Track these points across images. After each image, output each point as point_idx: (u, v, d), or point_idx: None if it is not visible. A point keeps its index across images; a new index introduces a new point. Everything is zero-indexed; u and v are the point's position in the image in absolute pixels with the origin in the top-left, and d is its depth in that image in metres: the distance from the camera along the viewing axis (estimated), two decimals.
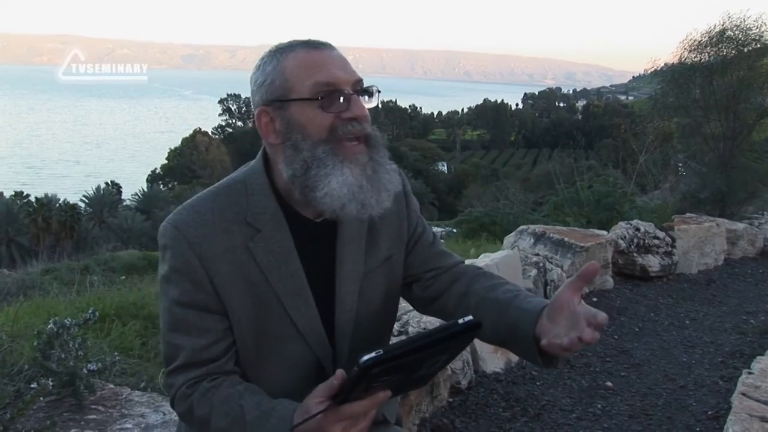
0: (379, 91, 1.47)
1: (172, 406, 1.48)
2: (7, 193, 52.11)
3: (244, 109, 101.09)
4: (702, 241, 7.60)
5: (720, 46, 14.07)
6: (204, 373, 1.43)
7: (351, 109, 1.38)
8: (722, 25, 14.13)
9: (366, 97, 1.43)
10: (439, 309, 1.66)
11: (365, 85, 1.44)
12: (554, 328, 1.33)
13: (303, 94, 1.37)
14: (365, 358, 1.09)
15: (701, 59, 14.31)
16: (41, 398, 2.53)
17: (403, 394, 1.50)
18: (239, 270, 1.42)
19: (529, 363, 4.01)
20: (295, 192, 1.42)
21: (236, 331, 1.46)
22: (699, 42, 14.29)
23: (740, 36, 13.99)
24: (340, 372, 1.22)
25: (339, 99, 1.37)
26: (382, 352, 1.10)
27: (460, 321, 1.15)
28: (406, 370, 1.19)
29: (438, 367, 1.30)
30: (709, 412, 3.85)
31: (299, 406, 1.29)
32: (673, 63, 15.09)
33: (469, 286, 1.61)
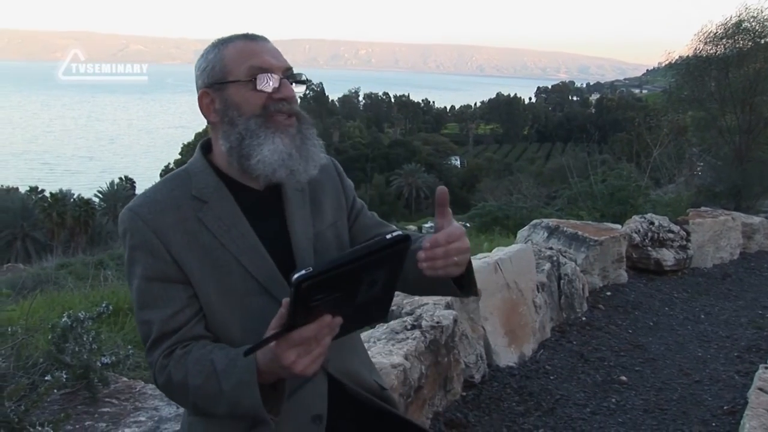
0: (308, 80, 1.65)
1: (155, 381, 1.54)
2: (22, 189, 52.46)
3: None
4: (717, 235, 7.54)
5: (736, 37, 13.96)
6: (175, 341, 1.49)
7: (281, 90, 1.53)
8: (738, 16, 14.02)
9: (294, 83, 1.58)
10: None
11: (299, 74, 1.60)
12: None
13: (239, 77, 1.52)
14: (296, 274, 1.13)
15: (717, 51, 14.21)
16: (55, 391, 2.55)
17: (359, 328, 1.53)
18: (194, 239, 1.52)
19: (541, 359, 3.99)
20: (233, 164, 1.55)
21: (201, 297, 1.53)
22: (714, 34, 14.19)
23: (757, 27, 13.87)
24: (285, 300, 1.25)
25: (269, 80, 1.52)
26: (311, 267, 1.14)
27: (388, 236, 1.20)
28: (343, 288, 1.22)
29: (382, 292, 1.31)
30: (725, 407, 3.82)
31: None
32: (687, 56, 15.00)
33: None
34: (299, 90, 1.60)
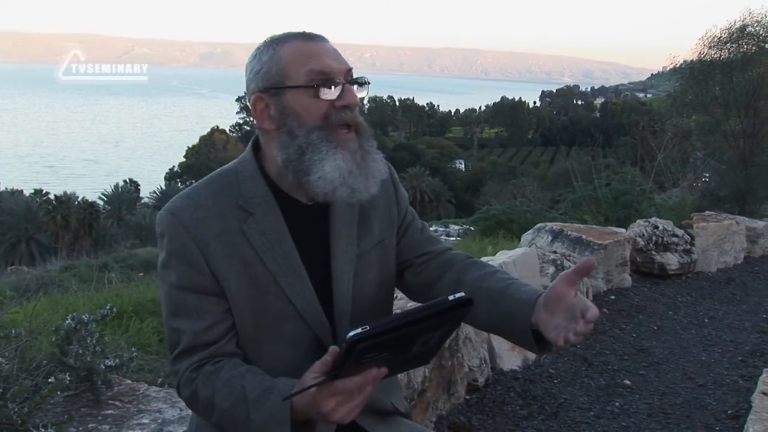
0: (368, 83, 1.53)
1: (178, 392, 1.51)
2: (27, 191, 52.57)
3: None
4: (721, 239, 7.53)
5: (740, 42, 13.97)
6: (206, 356, 1.46)
7: (344, 97, 1.44)
8: (742, 21, 14.03)
9: (356, 87, 1.49)
10: (433, 298, 1.69)
11: (356, 76, 1.51)
12: (553, 320, 1.39)
13: (298, 82, 1.43)
14: (351, 333, 1.09)
15: (721, 56, 14.21)
16: (59, 393, 2.55)
17: (402, 372, 1.50)
18: (234, 252, 1.47)
19: (548, 355, 3.99)
20: (288, 176, 1.48)
21: (235, 313, 1.49)
22: (719, 38, 14.20)
23: (761, 32, 13.87)
24: (333, 348, 1.23)
25: (332, 87, 1.43)
26: (368, 327, 1.10)
27: (451, 297, 1.15)
28: (396, 348, 1.19)
29: (434, 345, 1.28)
30: (729, 412, 3.81)
31: (298, 382, 1.31)
32: (692, 60, 15.00)
33: (461, 275, 1.65)
34: (362, 95, 1.52)
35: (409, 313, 1.14)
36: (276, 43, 1.47)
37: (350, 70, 1.48)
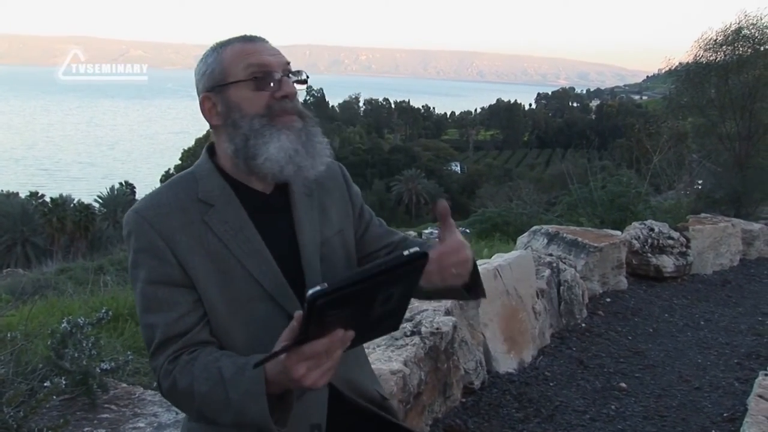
0: (307, 77, 1.62)
1: (159, 387, 1.52)
2: (23, 194, 52.48)
3: None
4: (717, 242, 7.55)
5: (736, 44, 14.00)
6: (180, 346, 1.48)
7: (282, 88, 1.52)
8: (738, 23, 14.07)
9: (294, 79, 1.57)
10: None
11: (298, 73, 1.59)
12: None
13: (238, 77, 1.51)
14: (311, 291, 1.11)
15: (717, 58, 14.24)
16: (54, 397, 2.54)
17: (371, 339, 1.52)
18: (199, 242, 1.51)
19: (541, 366, 3.98)
20: (239, 164, 1.54)
21: (206, 301, 1.51)
22: (714, 41, 14.23)
23: (756, 34, 13.91)
24: (298, 313, 1.23)
25: (270, 80, 1.52)
26: (326, 284, 1.12)
27: (405, 252, 1.18)
28: (358, 305, 1.20)
29: (396, 306, 1.30)
30: (725, 414, 3.82)
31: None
32: (687, 62, 15.04)
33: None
34: (300, 88, 1.59)
35: (367, 269, 1.17)
36: (220, 46, 1.57)
37: (288, 63, 1.57)
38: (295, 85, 1.57)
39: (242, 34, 1.61)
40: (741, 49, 13.98)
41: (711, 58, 14.31)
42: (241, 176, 1.58)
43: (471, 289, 1.60)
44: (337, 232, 1.70)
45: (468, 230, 15.67)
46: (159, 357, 1.48)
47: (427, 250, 1.29)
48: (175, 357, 1.47)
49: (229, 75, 1.53)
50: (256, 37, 1.59)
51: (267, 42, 1.59)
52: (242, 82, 1.51)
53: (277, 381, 1.30)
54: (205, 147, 1.65)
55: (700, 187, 14.85)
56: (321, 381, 1.26)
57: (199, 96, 1.58)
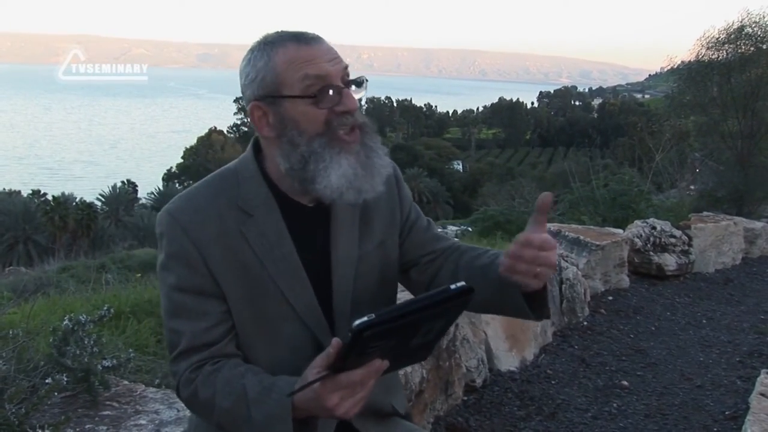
0: (366, 81, 1.50)
1: (177, 392, 1.50)
2: (25, 192, 52.56)
3: None
4: (719, 240, 7.53)
5: (738, 42, 13.95)
6: (206, 356, 1.45)
7: (343, 102, 1.41)
8: (741, 21, 14.01)
9: (354, 87, 1.47)
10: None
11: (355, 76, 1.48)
12: (517, 264, 1.40)
13: (294, 91, 1.40)
14: (357, 322, 1.09)
15: (719, 56, 14.20)
16: (56, 394, 2.54)
17: (402, 368, 1.51)
18: (233, 254, 1.46)
19: (544, 362, 3.97)
20: (293, 183, 1.47)
21: (234, 314, 1.48)
22: (717, 39, 14.18)
23: (759, 32, 13.86)
24: (336, 340, 1.22)
25: (330, 93, 1.40)
26: (374, 316, 1.10)
27: (452, 286, 1.15)
28: (400, 336, 1.19)
29: (434, 337, 1.29)
30: (727, 413, 3.81)
31: (299, 379, 1.30)
32: (690, 61, 15.00)
33: (457, 262, 1.65)
34: (360, 95, 1.48)
35: (413, 301, 1.15)
36: (269, 46, 1.43)
37: (346, 68, 1.45)
38: (355, 95, 1.46)
39: (294, 31, 1.46)
40: (743, 47, 13.93)
41: (713, 57, 14.26)
42: (287, 187, 1.50)
43: (535, 307, 1.49)
44: (378, 245, 1.62)
45: (470, 228, 15.67)
46: (181, 363, 1.46)
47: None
48: (198, 366, 1.45)
49: (283, 86, 1.41)
50: (311, 36, 1.45)
51: (323, 42, 1.46)
52: (300, 98, 1.40)
53: (305, 407, 1.27)
54: (251, 142, 1.56)
55: (702, 185, 14.85)
56: (353, 411, 1.23)
57: (246, 103, 1.47)
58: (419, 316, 1.15)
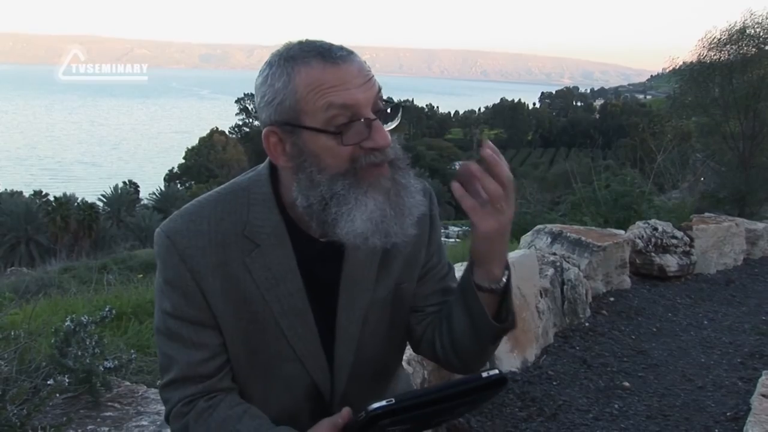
0: (400, 105, 1.33)
1: (167, 421, 1.42)
2: (27, 193, 52.59)
3: None
4: (721, 241, 7.53)
5: (740, 43, 13.97)
6: (200, 390, 1.37)
7: (373, 137, 1.23)
8: (743, 22, 14.03)
9: (388, 110, 1.30)
10: (427, 343, 1.55)
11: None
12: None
13: (316, 122, 1.22)
14: (374, 406, 1.03)
15: (721, 57, 14.22)
16: (58, 395, 2.55)
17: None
18: (234, 286, 1.34)
19: (545, 368, 3.95)
20: (311, 224, 1.32)
21: (230, 348, 1.39)
22: (719, 40, 14.20)
23: (761, 33, 13.88)
24: (346, 411, 1.17)
25: (357, 127, 1.22)
26: (393, 401, 1.03)
27: (484, 374, 1.08)
28: (418, 422, 1.12)
29: (455, 417, 1.24)
30: (728, 414, 3.81)
31: None
32: (692, 61, 15.01)
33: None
34: (394, 125, 1.30)
35: (439, 388, 1.07)
36: (290, 64, 1.24)
37: (379, 92, 1.27)
38: (388, 126, 1.28)
39: (320, 44, 1.26)
40: (745, 48, 13.95)
41: (715, 58, 14.28)
42: (299, 216, 1.34)
43: (499, 315, 1.39)
44: (393, 288, 1.48)
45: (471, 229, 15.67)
46: (172, 392, 1.38)
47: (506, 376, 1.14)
48: (191, 400, 1.36)
49: (303, 114, 1.22)
50: (338, 53, 1.24)
51: (353, 60, 1.25)
52: (322, 132, 1.22)
53: None
54: (268, 159, 1.37)
55: (704, 186, 14.85)
56: None
57: (261, 125, 1.30)
58: (443, 406, 1.08)
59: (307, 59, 1.23)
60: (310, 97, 1.21)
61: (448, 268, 1.61)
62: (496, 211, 1.26)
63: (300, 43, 1.28)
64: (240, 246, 1.34)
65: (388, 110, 1.30)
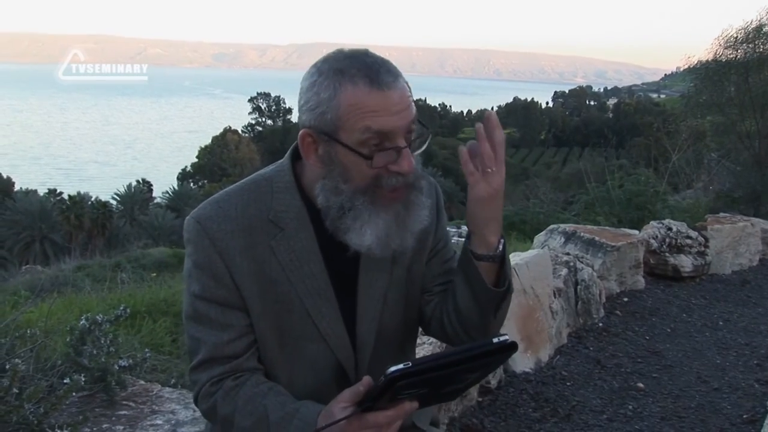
0: (430, 133, 1.45)
1: (196, 402, 1.49)
2: (41, 192, 52.96)
3: (273, 107, 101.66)
4: (736, 241, 7.48)
5: (756, 42, 13.87)
6: (227, 370, 1.43)
7: (400, 163, 1.33)
8: (759, 20, 13.92)
9: (417, 142, 1.40)
10: (437, 321, 1.62)
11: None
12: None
13: (351, 140, 1.31)
14: (392, 369, 1.07)
15: (737, 56, 14.12)
16: (73, 393, 2.56)
17: (429, 406, 1.48)
18: (260, 268, 1.42)
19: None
20: (326, 222, 1.40)
21: (256, 329, 1.45)
22: (735, 38, 14.11)
23: None
24: (366, 379, 1.22)
25: (388, 152, 1.32)
26: (410, 364, 1.08)
27: (495, 339, 1.13)
28: (433, 385, 1.17)
29: (468, 384, 1.28)
30: (745, 416, 3.78)
31: (323, 408, 1.29)
32: (707, 60, 14.91)
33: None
34: (420, 151, 1.41)
35: (452, 352, 1.12)
36: (338, 77, 1.31)
37: (414, 117, 1.36)
38: (416, 153, 1.38)
39: (369, 66, 1.32)
40: (762, 47, 13.85)
41: (731, 56, 14.18)
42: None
43: (498, 284, 1.47)
44: (407, 269, 1.58)
45: None
46: (201, 374, 1.44)
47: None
48: (219, 379, 1.43)
49: (341, 130, 1.31)
50: (384, 78, 1.31)
51: (397, 85, 1.33)
52: (355, 152, 1.32)
53: None
54: (290, 150, 1.49)
55: (719, 185, 14.76)
56: None
57: (300, 125, 1.39)
58: (456, 369, 1.13)
59: (355, 78, 1.30)
60: (350, 117, 1.30)
61: (453, 252, 1.70)
62: (488, 174, 1.40)
63: (351, 56, 1.35)
64: (265, 230, 1.42)
65: (418, 140, 1.40)
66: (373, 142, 1.31)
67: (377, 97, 1.30)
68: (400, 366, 1.07)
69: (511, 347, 1.14)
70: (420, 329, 1.72)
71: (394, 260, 1.53)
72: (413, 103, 1.37)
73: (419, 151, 1.41)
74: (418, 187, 1.42)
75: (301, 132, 1.37)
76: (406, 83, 1.36)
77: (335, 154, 1.34)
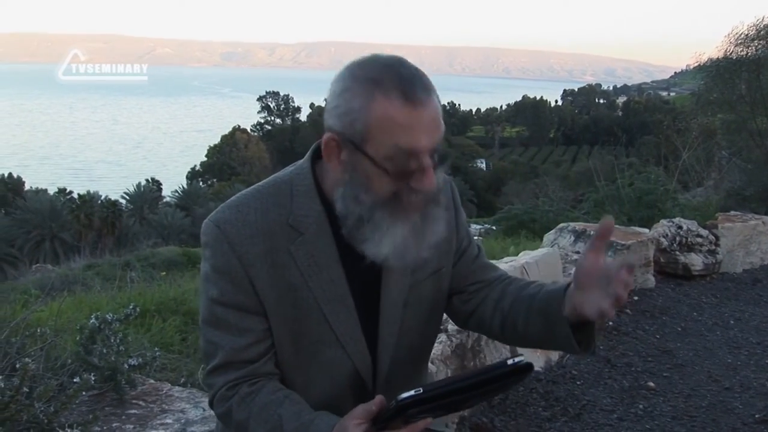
0: (450, 157, 1.47)
1: (211, 406, 1.48)
2: (51, 191, 53.19)
3: (282, 106, 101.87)
4: (747, 240, 7.43)
5: None
6: (244, 374, 1.43)
7: (422, 180, 1.32)
8: None
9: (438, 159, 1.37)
10: (478, 320, 1.65)
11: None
12: (588, 296, 1.33)
13: (377, 154, 1.30)
14: (403, 396, 1.07)
15: (748, 53, 14.02)
16: (83, 392, 2.57)
17: (441, 416, 1.49)
18: (279, 273, 1.41)
19: (571, 355, 3.93)
20: (343, 229, 1.39)
21: (274, 333, 1.45)
22: (746, 35, 14.01)
23: None
24: (380, 398, 1.22)
25: (412, 171, 1.31)
26: (422, 390, 1.06)
27: (509, 362, 1.11)
28: (446, 408, 1.17)
29: (482, 401, 1.28)
30: (757, 416, 3.76)
31: (337, 421, 1.30)
32: (717, 57, 14.81)
33: (504, 290, 1.61)
34: (441, 173, 1.39)
35: (465, 377, 1.11)
36: (372, 87, 1.29)
37: (441, 136, 1.35)
38: (436, 174, 1.35)
39: (405, 74, 1.31)
40: None
41: (742, 53, 14.08)
42: None
43: (582, 340, 1.42)
44: (431, 273, 1.56)
45: (494, 227, 15.61)
46: (217, 378, 1.44)
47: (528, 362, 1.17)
48: (235, 384, 1.43)
49: (369, 142, 1.30)
50: (419, 94, 1.29)
51: (430, 103, 1.31)
52: (380, 168, 1.30)
53: None
54: (311, 151, 1.47)
55: (729, 183, 14.69)
56: None
57: (326, 128, 1.36)
58: (470, 394, 1.11)
59: (388, 91, 1.28)
60: (379, 131, 1.28)
61: (477, 248, 1.70)
62: (606, 290, 1.31)
63: (388, 65, 1.32)
64: (285, 234, 1.41)
65: (441, 160, 1.37)
66: (398, 160, 1.29)
67: (411, 115, 1.28)
68: (411, 392, 1.06)
69: (526, 369, 1.12)
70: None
71: (416, 265, 1.50)
72: (442, 121, 1.35)
73: (442, 168, 1.38)
74: (437, 201, 1.41)
75: (326, 135, 1.35)
76: (437, 97, 1.35)
77: (358, 163, 1.32)
